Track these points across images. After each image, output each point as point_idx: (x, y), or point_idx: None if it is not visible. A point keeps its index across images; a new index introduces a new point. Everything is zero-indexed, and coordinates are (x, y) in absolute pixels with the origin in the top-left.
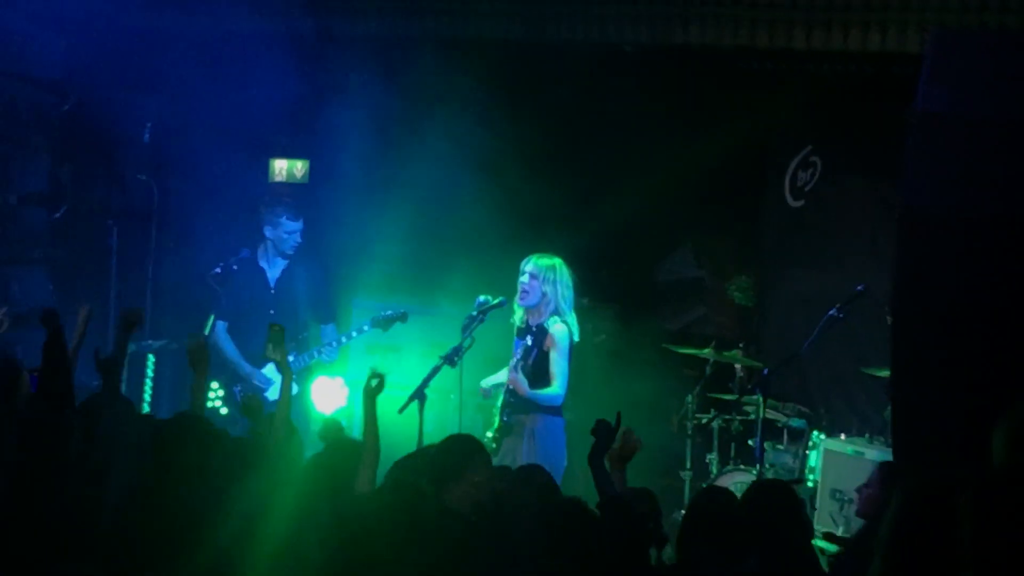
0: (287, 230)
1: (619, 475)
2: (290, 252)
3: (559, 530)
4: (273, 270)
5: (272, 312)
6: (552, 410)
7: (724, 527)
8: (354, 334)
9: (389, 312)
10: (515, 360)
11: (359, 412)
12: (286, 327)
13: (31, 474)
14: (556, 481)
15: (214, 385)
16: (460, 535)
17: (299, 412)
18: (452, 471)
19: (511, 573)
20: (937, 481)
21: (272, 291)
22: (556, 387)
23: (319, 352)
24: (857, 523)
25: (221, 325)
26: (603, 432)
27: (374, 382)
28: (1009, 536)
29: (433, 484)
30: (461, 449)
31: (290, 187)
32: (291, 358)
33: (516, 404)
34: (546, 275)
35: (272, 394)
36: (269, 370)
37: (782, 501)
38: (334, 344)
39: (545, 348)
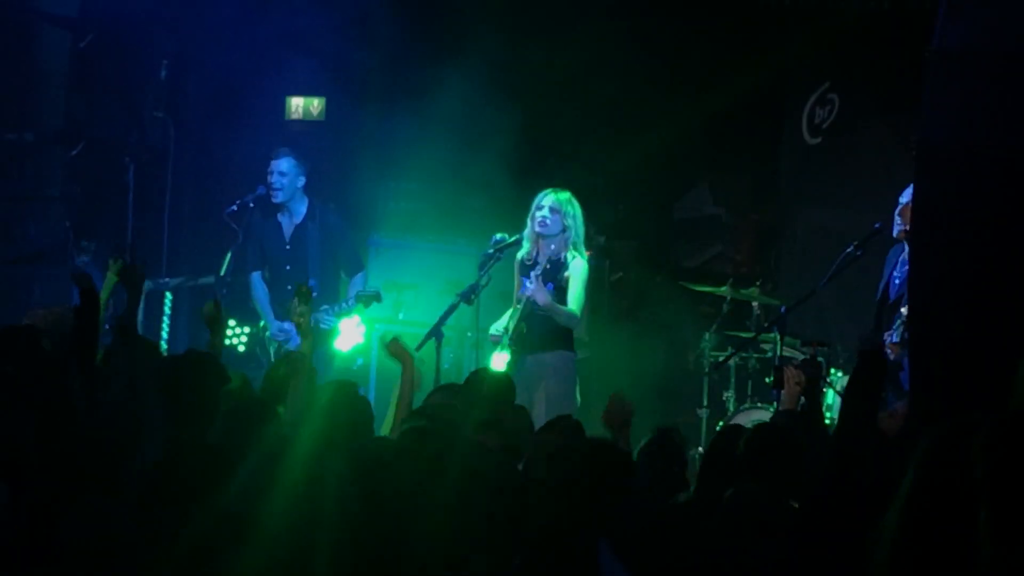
0: (268, 170)
1: (623, 438)
2: (276, 197)
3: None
4: (288, 224)
5: (288, 268)
6: (566, 345)
7: (731, 466)
8: (343, 306)
9: (370, 290)
10: (536, 271)
11: (376, 349)
12: (298, 283)
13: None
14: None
15: (231, 323)
16: (488, 473)
17: (319, 353)
18: (490, 416)
19: (537, 513)
20: (959, 425)
21: (287, 246)
22: (575, 307)
23: (316, 319)
24: None
25: (256, 274)
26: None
27: (387, 339)
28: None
29: (469, 425)
30: (497, 393)
31: (306, 124)
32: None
33: (531, 340)
34: (566, 208)
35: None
36: (288, 325)
37: (779, 445)
38: (329, 313)
39: (562, 282)
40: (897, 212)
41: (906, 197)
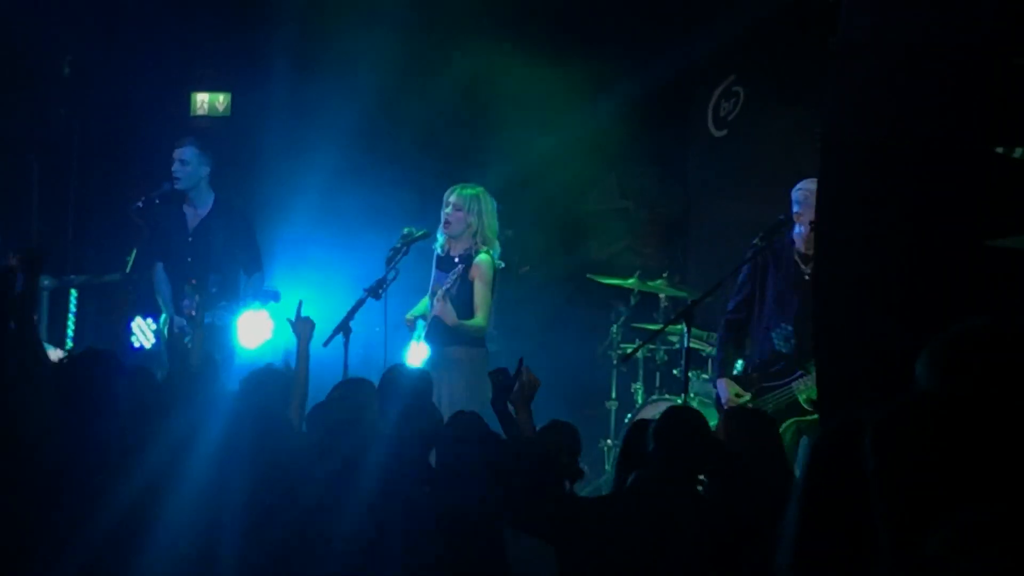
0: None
1: (525, 415)
2: (176, 185)
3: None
4: (192, 217)
5: (189, 260)
6: (477, 342)
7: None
8: (242, 304)
9: (268, 290)
10: (442, 289)
11: (284, 345)
12: (199, 277)
13: None
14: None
15: (139, 318)
16: (403, 466)
17: (226, 346)
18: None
19: (435, 503)
20: (851, 421)
21: (189, 238)
22: (480, 319)
23: (213, 316)
24: None
25: (160, 265)
26: (500, 378)
27: (298, 319)
28: (914, 468)
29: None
30: (415, 389)
31: (212, 120)
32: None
33: (442, 336)
34: (470, 205)
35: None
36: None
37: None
38: (228, 311)
39: (469, 279)
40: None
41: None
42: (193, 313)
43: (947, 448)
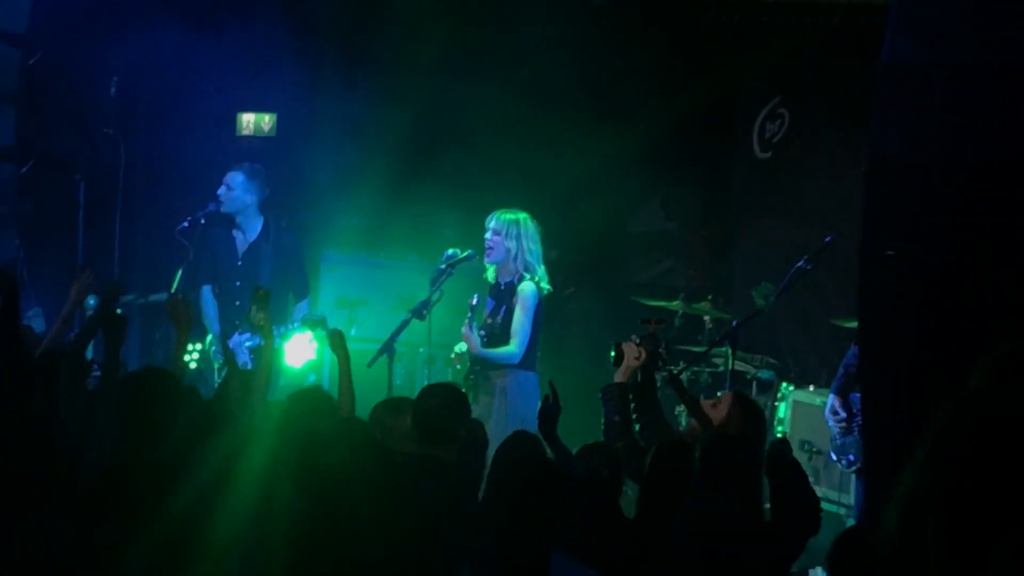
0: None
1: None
2: (220, 207)
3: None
4: (241, 241)
5: (238, 284)
6: (524, 366)
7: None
8: (289, 327)
9: (316, 315)
10: (469, 315)
11: (328, 366)
12: (245, 302)
13: None
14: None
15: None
16: (436, 485)
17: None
18: (444, 431)
19: (484, 525)
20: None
21: (239, 263)
22: (512, 346)
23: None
24: (826, 474)
25: (207, 288)
26: (547, 408)
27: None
28: (973, 485)
29: (422, 441)
30: (451, 408)
31: (258, 140)
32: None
33: (484, 362)
34: (508, 230)
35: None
36: (233, 341)
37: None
38: (275, 333)
39: (512, 305)
40: None
41: None
42: (261, 324)
43: (1007, 465)
